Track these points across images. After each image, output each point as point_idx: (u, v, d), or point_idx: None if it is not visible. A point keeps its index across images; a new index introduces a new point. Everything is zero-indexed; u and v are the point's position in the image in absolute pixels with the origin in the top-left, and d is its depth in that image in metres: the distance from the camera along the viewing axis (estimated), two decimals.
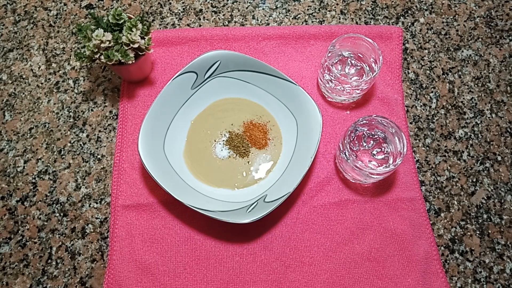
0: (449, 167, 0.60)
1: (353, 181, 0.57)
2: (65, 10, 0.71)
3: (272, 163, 0.59)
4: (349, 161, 0.52)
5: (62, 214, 0.57)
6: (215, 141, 0.60)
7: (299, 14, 0.70)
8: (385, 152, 0.56)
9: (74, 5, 0.71)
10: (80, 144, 0.61)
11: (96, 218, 0.57)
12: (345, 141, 0.53)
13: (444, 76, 0.66)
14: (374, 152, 0.56)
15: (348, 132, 0.53)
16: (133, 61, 0.56)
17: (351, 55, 0.61)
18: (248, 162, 0.59)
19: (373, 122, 0.55)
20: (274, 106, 0.61)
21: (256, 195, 0.55)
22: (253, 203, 0.53)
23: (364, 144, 0.57)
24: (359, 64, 0.61)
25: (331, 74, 0.56)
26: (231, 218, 0.51)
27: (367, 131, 0.57)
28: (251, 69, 0.60)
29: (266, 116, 0.61)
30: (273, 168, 0.58)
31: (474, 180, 0.59)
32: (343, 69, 0.61)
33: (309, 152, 0.54)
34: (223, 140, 0.60)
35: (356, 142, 0.56)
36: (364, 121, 0.55)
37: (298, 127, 0.58)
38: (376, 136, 0.56)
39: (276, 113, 0.61)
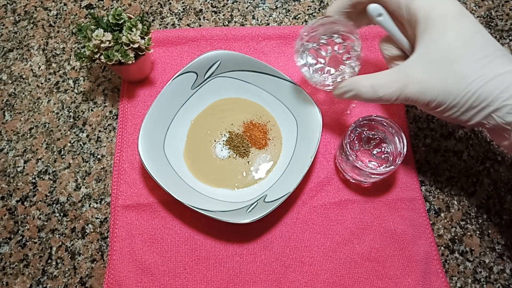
0: (449, 167, 0.60)
1: (353, 181, 0.57)
2: (65, 10, 0.70)
3: (272, 163, 0.59)
4: (349, 161, 0.52)
5: (62, 214, 0.57)
6: (215, 141, 0.60)
7: (299, 14, 0.70)
8: (385, 152, 0.56)
9: (74, 5, 0.71)
10: (80, 144, 0.61)
11: (96, 218, 0.57)
12: (345, 141, 0.53)
13: None
14: (374, 152, 0.56)
15: (348, 132, 0.53)
16: (133, 61, 0.56)
17: (334, 36, 0.53)
18: (248, 162, 0.59)
19: (373, 122, 0.55)
20: (274, 106, 0.61)
21: (256, 195, 0.55)
22: (253, 203, 0.53)
23: (364, 144, 0.57)
24: (345, 43, 0.52)
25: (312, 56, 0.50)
26: (231, 218, 0.51)
27: (367, 131, 0.57)
28: (251, 69, 0.60)
29: (266, 116, 0.61)
30: (273, 168, 0.58)
31: (474, 180, 0.59)
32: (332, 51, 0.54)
33: (309, 152, 0.54)
34: (223, 140, 0.60)
35: (356, 142, 0.56)
36: (364, 121, 0.55)
37: (298, 127, 0.58)
38: (376, 136, 0.56)
39: (276, 113, 0.61)
